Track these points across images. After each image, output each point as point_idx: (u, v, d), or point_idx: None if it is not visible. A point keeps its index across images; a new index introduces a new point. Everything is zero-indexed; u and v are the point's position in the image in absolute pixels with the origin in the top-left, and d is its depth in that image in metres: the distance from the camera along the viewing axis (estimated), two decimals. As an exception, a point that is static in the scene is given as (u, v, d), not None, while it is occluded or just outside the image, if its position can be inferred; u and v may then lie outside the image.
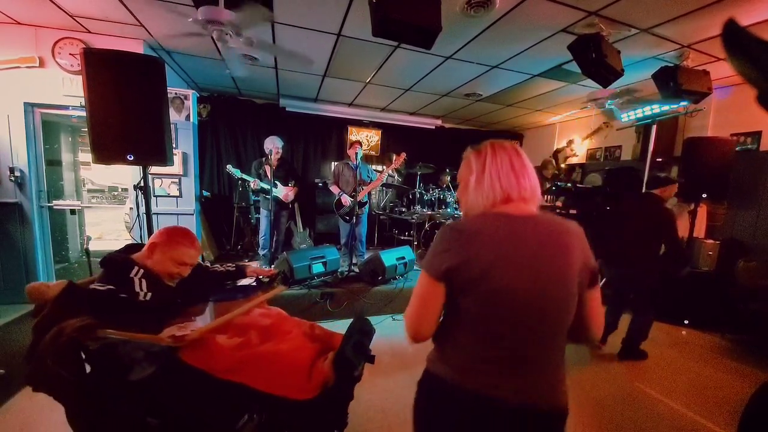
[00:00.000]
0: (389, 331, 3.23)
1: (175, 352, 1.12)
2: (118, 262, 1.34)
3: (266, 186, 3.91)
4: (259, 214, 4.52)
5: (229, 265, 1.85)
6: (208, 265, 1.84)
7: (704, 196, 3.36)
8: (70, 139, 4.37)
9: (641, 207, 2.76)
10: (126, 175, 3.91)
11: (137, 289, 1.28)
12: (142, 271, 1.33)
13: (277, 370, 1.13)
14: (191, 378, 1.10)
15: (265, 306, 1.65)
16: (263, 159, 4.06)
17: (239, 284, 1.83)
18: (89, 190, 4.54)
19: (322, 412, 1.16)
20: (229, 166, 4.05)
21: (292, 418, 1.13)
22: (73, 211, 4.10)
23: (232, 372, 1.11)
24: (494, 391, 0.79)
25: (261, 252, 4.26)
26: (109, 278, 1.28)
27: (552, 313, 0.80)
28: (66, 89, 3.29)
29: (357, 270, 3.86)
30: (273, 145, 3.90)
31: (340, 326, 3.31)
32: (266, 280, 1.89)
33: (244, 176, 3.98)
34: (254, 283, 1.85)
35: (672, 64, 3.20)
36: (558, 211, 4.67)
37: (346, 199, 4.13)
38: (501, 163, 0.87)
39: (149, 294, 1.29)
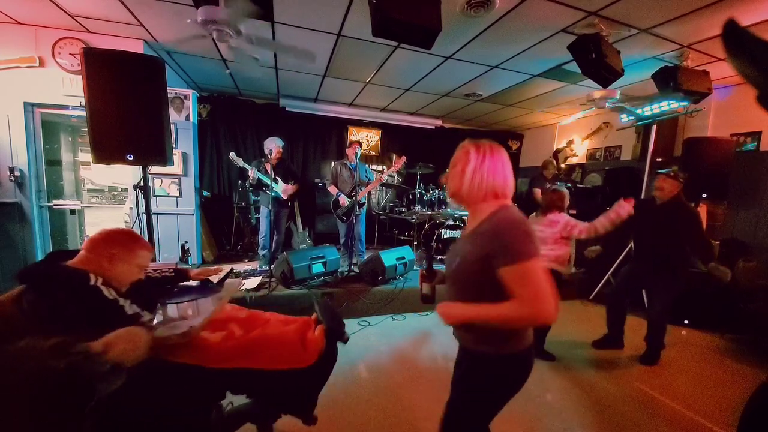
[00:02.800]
0: (389, 331, 3.23)
1: (156, 354, 1.14)
2: (69, 273, 1.18)
3: (265, 179, 3.91)
4: (259, 214, 4.52)
5: (165, 270, 1.74)
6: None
7: (704, 196, 3.36)
8: (70, 139, 4.36)
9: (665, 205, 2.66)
10: (126, 175, 3.91)
11: (109, 296, 1.17)
12: (100, 278, 1.20)
13: (273, 349, 1.26)
14: (179, 375, 1.15)
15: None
16: (263, 159, 4.07)
17: (185, 286, 1.75)
18: (89, 190, 4.53)
19: (321, 374, 1.36)
20: (232, 154, 4.07)
21: (300, 384, 1.30)
22: (73, 211, 4.10)
23: (227, 361, 1.19)
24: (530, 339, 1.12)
25: (261, 252, 4.26)
26: (68, 295, 1.11)
27: None
28: (66, 89, 3.29)
29: (357, 270, 3.86)
30: (274, 144, 3.90)
31: (340, 326, 3.29)
32: (216, 280, 1.80)
33: (246, 165, 3.98)
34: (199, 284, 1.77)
35: (672, 64, 3.20)
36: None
37: (344, 200, 4.14)
38: (496, 162, 1.08)
39: (127, 300, 1.21)
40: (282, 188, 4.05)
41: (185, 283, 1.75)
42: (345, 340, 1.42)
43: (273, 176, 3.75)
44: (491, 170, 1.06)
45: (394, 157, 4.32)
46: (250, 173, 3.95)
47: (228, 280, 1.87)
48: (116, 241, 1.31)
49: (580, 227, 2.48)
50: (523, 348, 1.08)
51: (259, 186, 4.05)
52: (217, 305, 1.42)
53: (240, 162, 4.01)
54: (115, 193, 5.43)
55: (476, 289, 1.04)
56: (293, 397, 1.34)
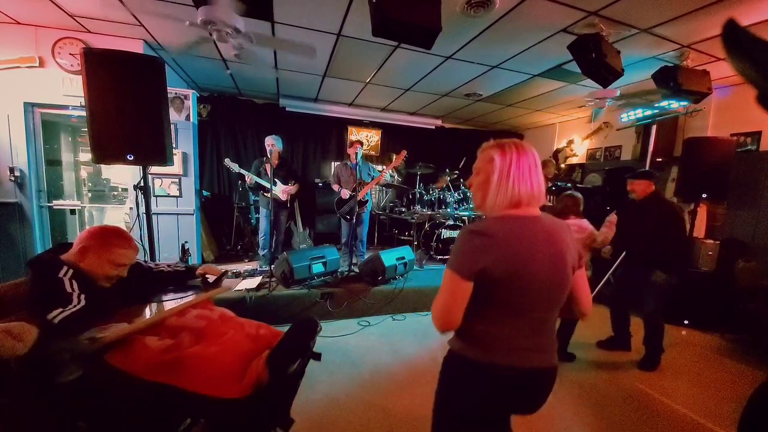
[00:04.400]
0: (389, 331, 3.23)
1: (102, 354, 1.11)
2: (45, 262, 1.30)
3: (263, 182, 3.90)
4: (258, 213, 4.52)
5: (179, 265, 1.83)
6: (152, 265, 1.75)
7: (704, 196, 3.36)
8: (70, 139, 4.36)
9: (655, 205, 2.71)
10: (126, 175, 3.91)
11: (68, 289, 1.24)
12: (71, 271, 1.29)
13: (205, 370, 1.13)
14: (117, 380, 1.10)
15: (210, 306, 1.57)
16: (264, 158, 4.06)
17: (188, 285, 1.80)
18: (89, 190, 4.54)
19: (257, 409, 1.17)
20: (227, 160, 4.02)
21: (227, 416, 1.14)
22: (73, 211, 4.10)
23: (160, 373, 1.11)
24: (525, 357, 0.98)
25: (261, 252, 4.26)
26: (37, 280, 1.25)
27: (558, 288, 0.99)
28: (66, 89, 3.30)
29: (357, 270, 3.86)
30: (272, 143, 3.89)
31: (340, 326, 3.32)
32: (212, 280, 1.82)
33: (242, 171, 3.97)
34: (199, 284, 1.81)
35: (672, 64, 3.20)
36: (558, 211, 4.68)
37: (346, 193, 4.13)
38: (523, 168, 0.97)
39: (82, 295, 1.25)
40: (280, 191, 4.04)
41: (192, 281, 1.81)
42: (289, 376, 1.20)
43: (272, 178, 3.74)
44: (517, 178, 0.96)
45: (394, 156, 4.31)
46: (247, 179, 3.94)
47: (226, 280, 1.90)
48: (93, 236, 1.36)
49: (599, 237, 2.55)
50: (479, 358, 0.98)
51: (259, 187, 4.04)
52: (170, 309, 1.38)
53: (235, 168, 3.95)
54: (115, 193, 5.43)
55: None
56: (225, 428, 1.19)
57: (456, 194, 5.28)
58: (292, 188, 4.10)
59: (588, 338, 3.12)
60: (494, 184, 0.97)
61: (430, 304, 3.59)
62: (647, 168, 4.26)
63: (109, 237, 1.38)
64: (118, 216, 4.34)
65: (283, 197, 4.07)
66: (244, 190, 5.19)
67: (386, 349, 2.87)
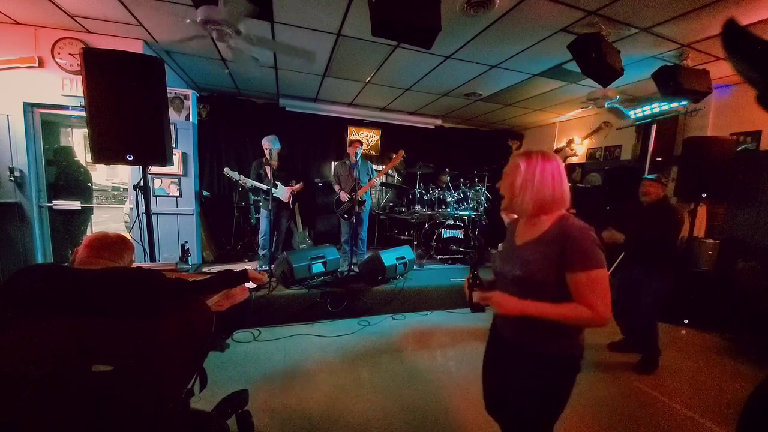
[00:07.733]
0: (389, 331, 3.23)
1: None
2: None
3: (263, 187, 3.90)
4: (259, 214, 4.51)
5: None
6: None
7: (704, 196, 3.35)
8: (70, 139, 4.37)
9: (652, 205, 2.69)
10: (126, 175, 3.91)
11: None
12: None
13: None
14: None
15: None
16: (263, 159, 4.06)
17: None
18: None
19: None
20: (226, 169, 4.00)
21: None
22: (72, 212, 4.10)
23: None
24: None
25: (261, 252, 4.27)
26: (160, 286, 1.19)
27: None
28: (66, 89, 3.30)
29: (357, 270, 3.86)
30: (266, 144, 3.89)
31: (340, 326, 3.31)
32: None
33: (241, 178, 3.95)
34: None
35: (672, 64, 3.20)
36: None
37: (345, 195, 4.14)
38: (546, 174, 1.09)
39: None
40: (282, 193, 4.03)
41: None
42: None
43: (273, 180, 3.72)
44: (541, 183, 1.08)
45: (393, 156, 4.31)
46: (243, 183, 3.94)
47: None
48: (111, 243, 1.30)
49: None
50: (582, 349, 1.14)
51: (257, 189, 4.04)
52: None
53: (236, 176, 3.93)
54: (116, 193, 5.44)
55: (546, 292, 1.07)
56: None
57: (456, 194, 5.27)
58: (297, 187, 4.09)
59: (596, 340, 3.12)
60: (519, 185, 1.10)
61: (430, 304, 3.61)
62: (649, 168, 4.27)
63: (124, 240, 1.38)
64: (118, 216, 4.35)
65: (286, 199, 4.07)
66: (244, 191, 5.19)
67: (386, 349, 2.87)
